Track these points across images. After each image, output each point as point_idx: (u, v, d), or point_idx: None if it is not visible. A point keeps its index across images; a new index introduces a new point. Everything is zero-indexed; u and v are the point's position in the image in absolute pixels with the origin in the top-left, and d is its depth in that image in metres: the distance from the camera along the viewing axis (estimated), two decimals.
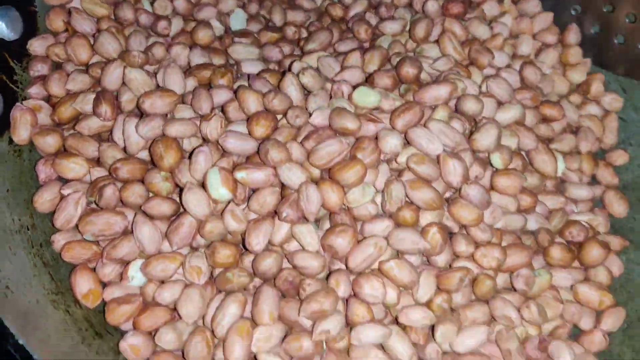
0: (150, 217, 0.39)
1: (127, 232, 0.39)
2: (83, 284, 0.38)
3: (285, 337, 0.38)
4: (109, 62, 0.42)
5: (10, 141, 0.41)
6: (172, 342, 0.37)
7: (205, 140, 0.41)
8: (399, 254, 0.40)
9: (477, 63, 0.47)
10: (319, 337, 0.36)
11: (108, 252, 0.38)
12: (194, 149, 0.40)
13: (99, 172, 0.41)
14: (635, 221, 0.49)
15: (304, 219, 0.39)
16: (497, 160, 0.42)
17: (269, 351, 0.37)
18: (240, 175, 0.38)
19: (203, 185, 0.39)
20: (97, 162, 0.42)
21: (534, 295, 0.41)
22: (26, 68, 0.44)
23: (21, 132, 0.41)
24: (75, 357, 0.35)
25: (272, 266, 0.38)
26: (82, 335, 0.37)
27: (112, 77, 0.42)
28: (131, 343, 0.37)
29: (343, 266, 0.39)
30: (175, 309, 0.38)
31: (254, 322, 0.37)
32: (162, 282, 0.39)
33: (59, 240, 0.40)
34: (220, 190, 0.38)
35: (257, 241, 0.38)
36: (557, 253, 0.43)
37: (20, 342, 0.31)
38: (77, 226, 0.39)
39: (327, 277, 0.39)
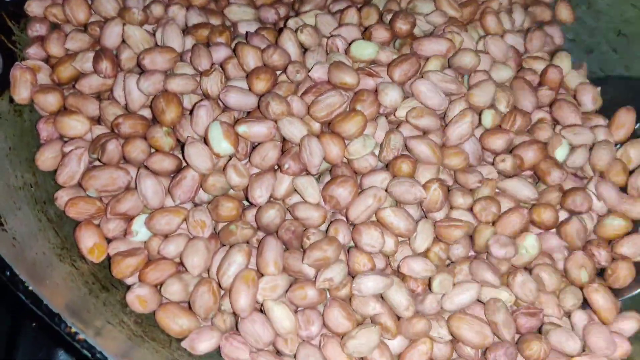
0: (154, 173, 0.39)
1: (131, 188, 0.40)
2: (88, 239, 0.39)
3: (290, 287, 0.38)
4: (108, 20, 0.43)
5: (11, 100, 0.41)
6: (178, 293, 0.38)
7: (205, 96, 0.41)
8: (398, 205, 0.40)
9: (484, 24, 0.48)
10: (322, 285, 0.37)
11: (112, 206, 0.39)
12: (195, 104, 0.40)
13: (100, 130, 0.41)
14: None
15: (305, 171, 0.39)
16: (489, 118, 0.43)
17: (276, 300, 0.38)
18: (241, 129, 0.39)
19: (205, 139, 0.39)
20: (98, 121, 0.42)
21: (519, 264, 0.41)
22: (24, 29, 0.44)
23: (21, 91, 0.41)
24: (84, 307, 0.36)
25: (275, 217, 0.38)
26: (89, 287, 0.37)
27: (111, 35, 0.42)
28: (138, 294, 0.38)
29: (343, 218, 0.40)
30: (180, 263, 0.39)
31: (259, 273, 0.38)
32: (166, 236, 0.40)
33: (62, 197, 0.40)
34: (222, 144, 0.39)
35: (259, 193, 0.39)
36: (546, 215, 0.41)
37: (31, 288, 0.32)
38: (79, 184, 0.40)
39: (327, 229, 0.40)
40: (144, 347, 0.36)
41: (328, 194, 0.39)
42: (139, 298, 0.38)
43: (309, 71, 0.42)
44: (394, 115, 0.42)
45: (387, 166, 0.41)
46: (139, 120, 0.40)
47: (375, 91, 0.41)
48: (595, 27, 0.54)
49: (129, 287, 0.39)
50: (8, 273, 0.32)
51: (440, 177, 0.41)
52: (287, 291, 0.38)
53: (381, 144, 0.41)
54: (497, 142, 0.42)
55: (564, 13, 0.54)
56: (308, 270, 0.38)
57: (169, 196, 0.40)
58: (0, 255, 0.32)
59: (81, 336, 0.31)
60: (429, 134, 0.41)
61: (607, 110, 0.48)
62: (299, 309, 0.38)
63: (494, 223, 0.41)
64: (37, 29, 0.44)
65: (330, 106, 0.40)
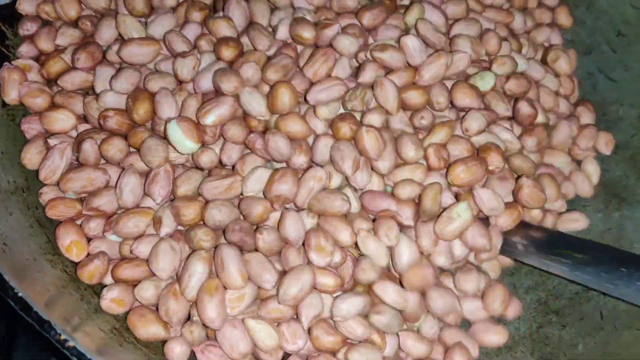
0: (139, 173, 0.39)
1: (109, 187, 0.39)
2: (65, 236, 0.38)
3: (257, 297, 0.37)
4: (102, 16, 0.42)
5: (3, 105, 0.41)
6: (152, 298, 0.37)
7: (179, 81, 0.40)
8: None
9: None
10: (311, 324, 0.37)
11: (87, 201, 0.38)
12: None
13: (84, 128, 0.41)
14: (627, 179, 0.50)
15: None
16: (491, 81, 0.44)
17: (251, 315, 0.36)
18: (209, 119, 0.38)
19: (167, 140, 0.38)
20: (85, 119, 0.42)
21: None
22: (17, 33, 0.43)
23: (10, 92, 0.41)
24: (76, 314, 0.35)
25: (221, 218, 0.37)
26: (80, 293, 0.37)
27: (106, 31, 0.42)
28: (111, 297, 0.37)
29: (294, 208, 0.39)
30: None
31: (225, 287, 0.36)
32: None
33: (46, 193, 0.39)
34: (186, 143, 0.38)
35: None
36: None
37: (20, 295, 0.31)
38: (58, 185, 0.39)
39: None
40: (136, 354, 0.36)
41: (273, 194, 0.37)
42: (114, 301, 0.37)
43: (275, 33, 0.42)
44: (356, 59, 0.42)
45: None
46: (127, 120, 0.40)
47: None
48: (594, 27, 0.54)
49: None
50: None
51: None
52: (254, 299, 0.37)
53: (349, 91, 0.40)
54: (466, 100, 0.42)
55: (563, 18, 0.54)
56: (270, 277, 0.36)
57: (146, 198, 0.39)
58: None
59: (71, 343, 0.30)
60: (394, 73, 0.41)
61: None
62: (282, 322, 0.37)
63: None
64: (28, 28, 0.43)
65: (285, 68, 0.40)
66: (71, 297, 0.36)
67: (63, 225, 0.39)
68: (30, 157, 0.40)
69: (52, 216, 0.39)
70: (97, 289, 0.38)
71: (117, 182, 0.39)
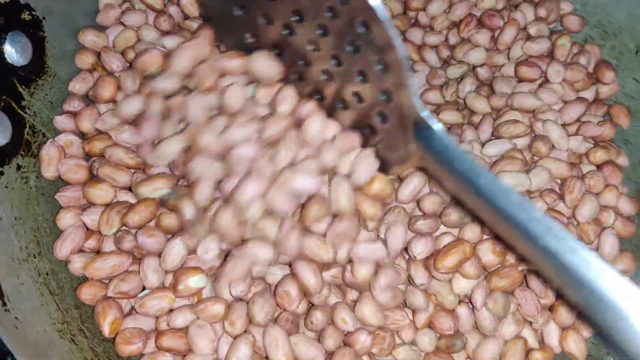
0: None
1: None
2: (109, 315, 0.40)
3: None
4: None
5: (18, 168, 0.42)
6: None
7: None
8: None
9: None
10: None
11: (115, 285, 0.40)
12: None
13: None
14: None
15: None
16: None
17: None
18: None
19: None
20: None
21: None
22: (34, 94, 0.44)
23: (50, 168, 0.43)
24: None
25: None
26: None
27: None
28: None
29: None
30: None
31: None
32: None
33: (75, 262, 0.41)
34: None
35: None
36: None
37: None
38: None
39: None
40: None
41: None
42: None
43: None
44: None
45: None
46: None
47: None
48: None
49: None
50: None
51: None
52: None
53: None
54: None
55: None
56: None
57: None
58: (2, 341, 0.32)
59: None
60: None
61: None
62: None
63: None
64: (75, 106, 0.46)
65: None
66: None
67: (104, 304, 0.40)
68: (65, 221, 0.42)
69: (87, 301, 0.41)
70: (104, 359, 0.39)
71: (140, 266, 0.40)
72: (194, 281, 0.39)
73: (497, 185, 0.31)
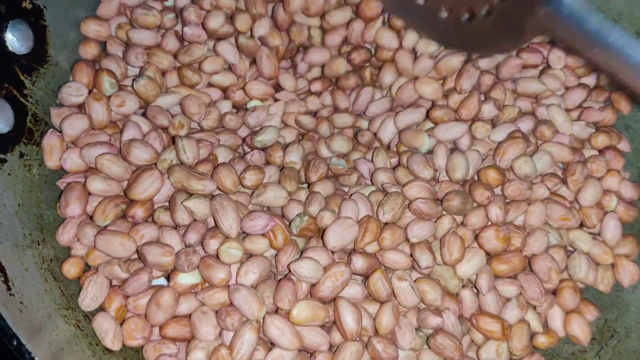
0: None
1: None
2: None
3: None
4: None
5: (21, 155, 0.42)
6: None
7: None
8: None
9: None
10: None
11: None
12: None
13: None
14: None
15: None
16: None
17: None
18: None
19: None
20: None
21: None
22: (36, 82, 0.44)
23: (53, 158, 0.43)
24: None
25: None
26: (92, 349, 0.38)
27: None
28: None
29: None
30: None
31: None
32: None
33: (77, 249, 0.41)
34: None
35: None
36: None
37: (37, 359, 0.32)
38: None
39: None
40: None
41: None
42: None
43: None
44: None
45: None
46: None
47: None
48: None
49: (130, 349, 0.39)
50: (15, 342, 0.32)
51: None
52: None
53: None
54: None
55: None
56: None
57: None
58: (8, 324, 0.32)
59: None
60: None
61: None
62: None
63: None
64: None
65: None
66: (83, 355, 0.37)
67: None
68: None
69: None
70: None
71: None
72: None
73: (629, 40, 0.32)
